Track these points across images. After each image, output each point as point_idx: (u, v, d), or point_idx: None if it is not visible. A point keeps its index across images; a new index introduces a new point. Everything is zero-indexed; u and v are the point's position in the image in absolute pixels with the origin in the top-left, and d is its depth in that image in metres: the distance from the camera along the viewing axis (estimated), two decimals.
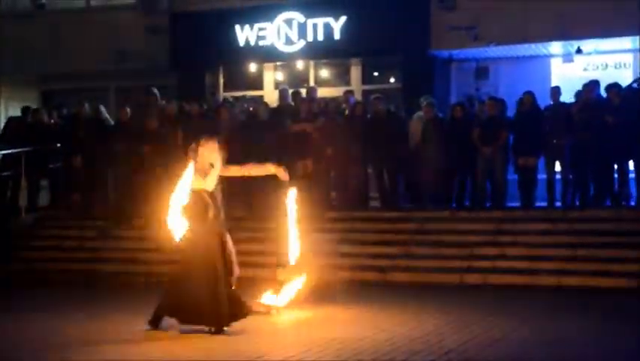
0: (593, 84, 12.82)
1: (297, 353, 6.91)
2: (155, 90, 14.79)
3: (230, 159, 8.43)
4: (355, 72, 16.20)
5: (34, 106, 16.47)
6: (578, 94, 12.91)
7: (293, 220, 9.00)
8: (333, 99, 14.33)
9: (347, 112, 13.75)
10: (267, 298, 9.03)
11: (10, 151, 14.21)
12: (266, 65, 16.49)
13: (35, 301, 10.36)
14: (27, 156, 14.13)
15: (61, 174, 14.76)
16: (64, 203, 14.61)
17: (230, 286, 7.95)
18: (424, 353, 6.87)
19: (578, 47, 14.62)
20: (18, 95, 18.25)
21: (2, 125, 15.59)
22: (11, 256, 13.14)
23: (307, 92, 14.48)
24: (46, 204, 14.96)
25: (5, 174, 14.35)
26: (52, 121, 15.13)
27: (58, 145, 14.60)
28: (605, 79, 13.35)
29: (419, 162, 13.06)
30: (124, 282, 11.93)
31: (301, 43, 15.66)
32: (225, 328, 7.64)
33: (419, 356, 6.76)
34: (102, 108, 14.82)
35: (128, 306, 9.53)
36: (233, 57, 16.21)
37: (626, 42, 14.48)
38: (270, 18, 15.80)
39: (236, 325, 7.76)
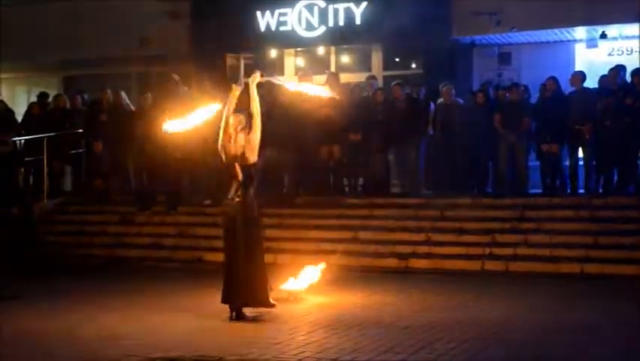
0: (619, 69, 12.66)
1: (317, 339, 6.92)
2: (177, 76, 14.80)
3: None
4: (376, 58, 16.10)
5: (55, 92, 16.56)
6: (602, 79, 12.76)
7: None
8: (357, 85, 14.23)
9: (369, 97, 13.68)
10: (287, 284, 9.04)
11: (32, 137, 14.31)
12: (287, 50, 16.44)
13: (59, 286, 10.40)
14: (49, 142, 14.23)
15: (83, 160, 14.86)
16: (86, 189, 14.70)
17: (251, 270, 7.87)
18: (443, 340, 6.85)
19: (603, 32, 14.43)
20: (40, 80, 18.36)
21: (25, 110, 15.67)
22: (34, 241, 13.24)
23: (327, 79, 14.39)
24: (68, 189, 15.07)
25: (28, 159, 14.46)
26: (75, 107, 15.20)
27: (80, 131, 14.70)
28: (631, 64, 13.18)
29: (439, 148, 12.99)
30: (147, 267, 11.97)
31: (322, 29, 15.57)
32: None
33: (439, 343, 6.73)
34: (123, 94, 14.88)
35: (149, 292, 9.59)
36: (253, 43, 16.17)
37: None
38: (290, 3, 15.72)
39: (253, 311, 7.83)
